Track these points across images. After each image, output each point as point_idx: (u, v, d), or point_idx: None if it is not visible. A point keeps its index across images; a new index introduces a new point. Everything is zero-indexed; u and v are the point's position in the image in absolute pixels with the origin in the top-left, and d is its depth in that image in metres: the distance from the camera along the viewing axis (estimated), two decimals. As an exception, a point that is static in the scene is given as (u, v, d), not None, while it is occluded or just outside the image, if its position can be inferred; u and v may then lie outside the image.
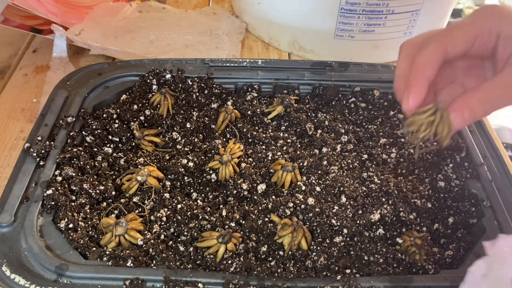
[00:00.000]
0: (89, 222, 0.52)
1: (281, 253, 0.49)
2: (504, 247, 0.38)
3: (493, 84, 0.41)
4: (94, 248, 0.49)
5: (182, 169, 0.57)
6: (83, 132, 0.61)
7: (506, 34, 0.42)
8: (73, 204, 0.52)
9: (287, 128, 0.65)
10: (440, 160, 0.59)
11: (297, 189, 0.56)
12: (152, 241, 0.49)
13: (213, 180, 0.57)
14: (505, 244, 0.38)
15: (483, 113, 0.41)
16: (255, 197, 0.55)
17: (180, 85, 0.68)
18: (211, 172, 0.58)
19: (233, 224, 0.52)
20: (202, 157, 0.59)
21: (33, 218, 0.50)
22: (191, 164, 0.58)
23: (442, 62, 0.42)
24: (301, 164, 0.58)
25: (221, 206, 0.55)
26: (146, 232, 0.51)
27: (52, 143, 0.58)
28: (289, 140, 0.62)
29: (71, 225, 0.50)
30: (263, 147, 0.62)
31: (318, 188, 0.56)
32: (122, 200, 0.54)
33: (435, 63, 0.42)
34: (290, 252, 0.49)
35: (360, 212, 0.53)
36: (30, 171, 0.55)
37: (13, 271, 0.46)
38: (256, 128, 0.65)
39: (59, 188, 0.53)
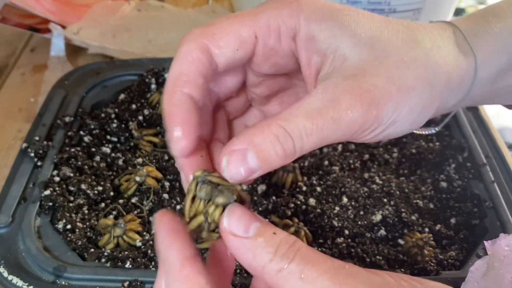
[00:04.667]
0: (87, 223, 0.51)
1: (281, 254, 0.49)
2: (504, 246, 0.38)
3: (297, 110, 0.27)
4: (92, 249, 0.48)
5: (182, 169, 0.57)
6: (81, 132, 0.60)
7: (306, 33, 0.30)
8: (71, 204, 0.52)
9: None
10: (442, 160, 0.59)
11: (297, 189, 0.55)
12: (151, 242, 0.49)
13: (212, 181, 0.57)
14: (505, 243, 0.38)
15: (280, 159, 0.27)
16: (255, 198, 0.54)
17: (179, 84, 0.68)
18: (210, 172, 0.57)
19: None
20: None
21: (30, 219, 0.49)
22: (190, 164, 0.57)
23: (208, 70, 0.30)
24: (302, 164, 0.58)
25: (221, 206, 0.54)
26: (145, 233, 0.50)
27: (50, 143, 0.58)
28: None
29: (69, 226, 0.50)
30: (263, 147, 0.61)
31: (319, 189, 0.55)
32: (121, 201, 0.54)
33: (192, 74, 0.29)
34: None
35: (361, 213, 0.53)
36: (27, 171, 0.54)
37: (10, 273, 0.45)
38: (256, 127, 0.64)
39: (57, 188, 0.52)
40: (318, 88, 0.28)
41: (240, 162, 0.26)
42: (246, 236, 0.26)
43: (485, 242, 0.38)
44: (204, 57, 0.29)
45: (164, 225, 0.28)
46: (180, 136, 0.28)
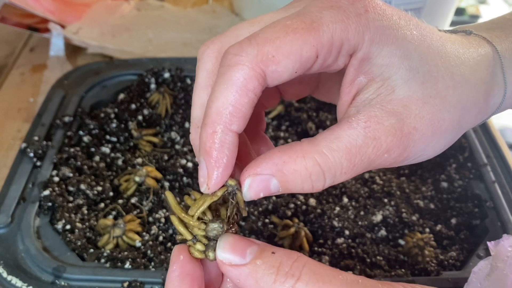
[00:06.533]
0: (87, 223, 0.51)
1: (281, 254, 0.49)
2: (508, 246, 0.38)
3: (337, 144, 0.26)
4: (91, 250, 0.48)
5: (181, 170, 0.56)
6: (80, 132, 0.60)
7: (365, 54, 0.27)
8: (70, 205, 0.52)
9: (288, 128, 0.64)
10: (443, 160, 0.59)
11: (297, 189, 0.55)
12: (150, 242, 0.49)
13: (212, 181, 0.57)
14: (508, 243, 0.38)
15: (303, 191, 0.26)
16: (255, 198, 0.54)
17: (179, 84, 0.68)
18: (210, 172, 0.57)
19: (233, 225, 0.51)
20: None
21: (30, 219, 0.49)
22: (190, 164, 0.57)
23: (259, 96, 0.26)
24: (302, 164, 0.57)
25: (221, 207, 0.54)
26: (144, 233, 0.50)
27: (49, 143, 0.57)
28: (289, 140, 0.62)
29: (68, 226, 0.50)
30: (263, 147, 0.61)
31: (319, 189, 0.55)
32: (120, 201, 0.54)
33: (244, 108, 0.26)
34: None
35: (362, 213, 0.53)
36: (27, 171, 0.54)
37: (10, 273, 0.45)
38: (256, 127, 0.64)
39: (56, 188, 0.52)
40: (359, 117, 0.27)
41: (262, 188, 0.26)
42: (243, 263, 0.25)
43: (488, 242, 0.38)
44: (259, 87, 0.25)
45: (178, 265, 0.27)
46: (218, 180, 0.26)
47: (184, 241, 0.28)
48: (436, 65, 0.29)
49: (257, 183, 0.26)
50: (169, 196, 0.29)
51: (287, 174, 0.25)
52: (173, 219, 0.28)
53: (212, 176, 0.26)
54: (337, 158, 0.26)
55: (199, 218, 0.28)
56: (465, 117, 0.30)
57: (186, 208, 0.29)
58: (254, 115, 0.32)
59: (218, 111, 0.26)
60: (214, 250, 0.27)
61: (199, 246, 0.27)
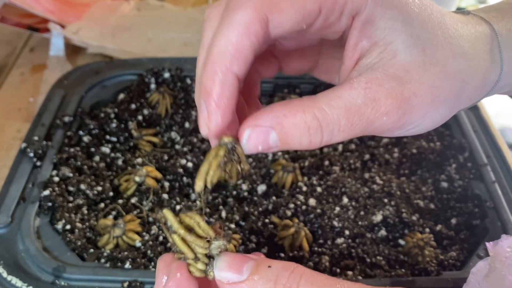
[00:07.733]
0: (87, 223, 0.51)
1: (282, 254, 0.49)
2: (506, 247, 0.38)
3: (337, 102, 0.26)
4: (91, 250, 0.48)
5: (181, 170, 0.56)
6: (80, 132, 0.60)
7: (368, 16, 0.27)
8: (70, 205, 0.52)
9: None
10: (443, 160, 0.59)
11: (298, 190, 0.55)
12: (150, 242, 0.49)
13: (212, 181, 0.57)
14: (507, 244, 0.38)
15: (301, 147, 0.27)
16: (255, 198, 0.54)
17: (179, 84, 0.68)
18: (210, 172, 0.57)
19: (232, 226, 0.51)
20: (201, 157, 0.58)
21: (30, 219, 0.49)
22: (190, 164, 0.57)
23: (261, 43, 0.26)
24: (302, 164, 0.57)
25: (221, 207, 0.54)
26: (144, 233, 0.50)
27: (49, 143, 0.57)
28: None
29: (68, 226, 0.50)
30: (263, 147, 0.61)
31: (319, 189, 0.55)
32: (120, 201, 0.54)
33: (246, 50, 0.26)
34: (291, 254, 0.48)
35: (362, 213, 0.53)
36: (27, 171, 0.54)
37: (9, 273, 0.45)
38: (256, 127, 0.64)
39: (56, 188, 0.52)
40: (360, 79, 0.27)
41: (261, 140, 0.26)
42: (241, 280, 0.25)
43: (486, 243, 0.38)
44: (261, 31, 0.25)
45: (174, 283, 0.27)
46: (219, 121, 0.26)
47: (183, 258, 0.28)
48: (436, 34, 0.29)
49: (257, 135, 0.26)
50: (168, 215, 0.28)
51: (286, 127, 0.26)
52: (175, 238, 0.28)
53: (212, 117, 0.26)
54: (335, 115, 0.26)
55: (201, 236, 0.27)
56: (463, 89, 0.30)
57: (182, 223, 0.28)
58: (250, 81, 0.32)
59: (220, 52, 0.26)
60: None
61: (200, 266, 0.27)
